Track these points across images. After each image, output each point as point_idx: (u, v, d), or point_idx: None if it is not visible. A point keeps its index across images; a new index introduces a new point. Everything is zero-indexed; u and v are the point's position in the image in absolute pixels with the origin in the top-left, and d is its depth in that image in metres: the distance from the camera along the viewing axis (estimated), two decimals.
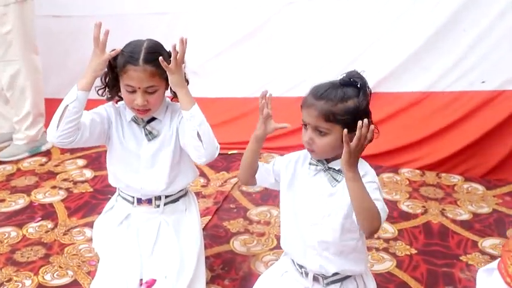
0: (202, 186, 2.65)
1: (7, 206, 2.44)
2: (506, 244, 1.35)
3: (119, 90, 1.66)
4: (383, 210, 1.31)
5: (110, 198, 1.90)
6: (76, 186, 2.64)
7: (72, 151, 3.02)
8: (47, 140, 1.63)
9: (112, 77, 1.66)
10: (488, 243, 2.15)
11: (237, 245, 2.13)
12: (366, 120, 1.26)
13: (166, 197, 1.77)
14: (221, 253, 2.07)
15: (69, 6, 3.33)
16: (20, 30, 2.89)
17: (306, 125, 1.39)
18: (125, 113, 1.71)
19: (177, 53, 1.53)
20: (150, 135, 1.69)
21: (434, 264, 2.00)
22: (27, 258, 2.02)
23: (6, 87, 2.99)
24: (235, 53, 3.18)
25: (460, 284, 1.89)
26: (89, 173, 2.79)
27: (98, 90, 1.67)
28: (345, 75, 1.39)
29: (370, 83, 1.41)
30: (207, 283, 1.81)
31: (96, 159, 2.94)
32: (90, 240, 2.08)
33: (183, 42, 1.54)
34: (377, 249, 2.09)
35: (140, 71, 1.56)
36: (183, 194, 1.83)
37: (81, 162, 2.93)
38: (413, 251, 2.09)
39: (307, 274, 1.49)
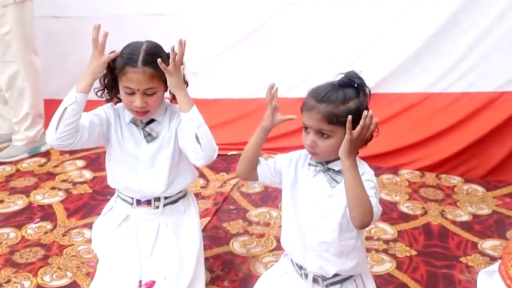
0: (202, 187, 2.65)
1: (6, 207, 2.44)
2: (507, 246, 1.35)
3: (118, 92, 1.66)
4: (376, 207, 1.31)
5: (109, 199, 1.89)
6: (75, 187, 2.63)
7: (71, 152, 3.01)
8: (46, 141, 1.62)
9: (111, 79, 1.65)
10: (488, 245, 2.15)
11: (236, 246, 2.13)
12: (370, 111, 1.27)
13: (166, 198, 1.77)
14: (220, 254, 2.07)
15: (69, 7, 3.33)
16: (18, 31, 2.89)
17: (306, 128, 1.38)
18: (124, 114, 1.71)
19: (176, 54, 1.52)
20: (149, 137, 1.69)
21: (434, 266, 2.00)
22: (26, 259, 2.02)
23: (5, 88, 2.99)
24: (235, 54, 3.18)
25: (460, 286, 1.88)
26: (88, 174, 2.79)
27: (97, 91, 1.67)
28: (343, 75, 1.39)
29: (370, 84, 1.41)
30: (206, 284, 1.81)
31: (95, 160, 2.94)
32: (89, 241, 2.08)
33: (182, 44, 1.53)
34: (377, 251, 2.09)
35: (139, 73, 1.56)
36: (183, 195, 1.83)
37: (80, 163, 2.93)
38: (413, 253, 2.08)
39: (306, 276, 1.49)
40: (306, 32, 3.04)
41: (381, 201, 1.56)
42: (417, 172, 2.81)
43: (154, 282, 1.66)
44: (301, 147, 1.45)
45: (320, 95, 1.36)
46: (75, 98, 1.55)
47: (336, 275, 1.45)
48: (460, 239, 2.19)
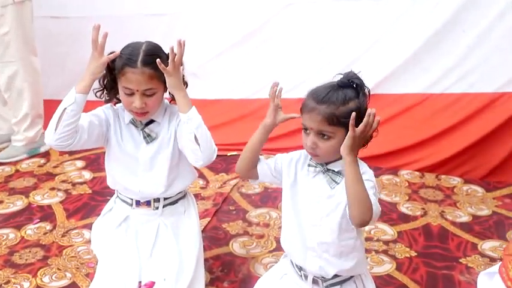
0: (202, 188, 2.64)
1: (5, 207, 2.43)
2: (507, 248, 1.35)
3: (117, 93, 1.65)
4: (375, 205, 1.31)
5: (109, 200, 1.89)
6: (75, 188, 2.63)
7: (70, 152, 3.01)
8: (45, 142, 1.62)
9: (110, 79, 1.65)
10: (488, 246, 2.14)
11: (236, 247, 2.12)
12: (373, 109, 1.27)
13: (165, 199, 1.77)
14: (220, 255, 2.06)
15: (68, 7, 3.33)
16: (18, 32, 2.88)
17: (306, 129, 1.38)
18: (123, 115, 1.71)
19: (175, 55, 1.52)
20: (149, 138, 1.69)
21: (434, 267, 1.99)
22: (26, 260, 2.02)
23: (4, 89, 2.99)
24: (235, 54, 3.17)
25: (459, 287, 1.88)
26: (87, 175, 2.78)
27: (96, 92, 1.67)
28: (342, 76, 1.39)
29: (370, 84, 1.42)
30: (206, 285, 1.80)
31: (95, 160, 2.94)
32: (88, 242, 2.08)
33: (181, 45, 1.53)
34: (376, 252, 2.09)
35: (138, 74, 1.55)
36: (182, 196, 1.83)
37: (80, 163, 2.93)
38: (413, 253, 2.08)
39: (306, 277, 1.49)
40: (305, 32, 3.04)
41: (381, 202, 1.57)
42: (417, 173, 2.81)
43: (153, 283, 1.66)
44: (301, 147, 1.45)
45: (320, 96, 1.35)
46: (75, 98, 1.54)
47: (335, 276, 1.45)
48: (460, 240, 2.19)
